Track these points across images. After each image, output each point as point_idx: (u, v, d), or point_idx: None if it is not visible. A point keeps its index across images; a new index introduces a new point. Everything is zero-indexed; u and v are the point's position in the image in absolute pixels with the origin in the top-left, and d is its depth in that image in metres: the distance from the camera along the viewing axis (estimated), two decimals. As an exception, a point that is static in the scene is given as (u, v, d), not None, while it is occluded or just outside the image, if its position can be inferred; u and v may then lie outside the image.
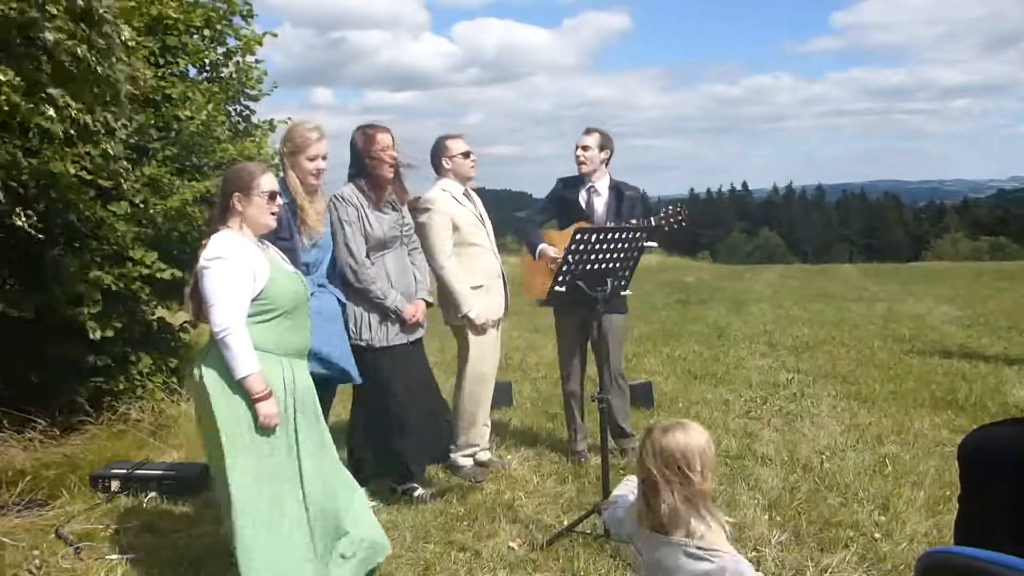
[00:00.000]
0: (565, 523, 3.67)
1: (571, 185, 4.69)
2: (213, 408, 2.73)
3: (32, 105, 3.61)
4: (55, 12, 3.39)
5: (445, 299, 4.32)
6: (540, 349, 8.29)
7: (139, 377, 5.35)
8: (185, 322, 5.84)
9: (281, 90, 6.87)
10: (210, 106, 5.36)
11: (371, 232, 3.84)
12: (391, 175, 3.92)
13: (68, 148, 4.35)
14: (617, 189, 4.65)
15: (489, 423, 4.60)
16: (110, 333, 4.93)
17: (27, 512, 3.87)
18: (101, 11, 3.49)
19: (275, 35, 6.36)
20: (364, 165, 3.87)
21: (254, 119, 6.28)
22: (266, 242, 2.96)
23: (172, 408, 5.25)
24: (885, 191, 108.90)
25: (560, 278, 3.61)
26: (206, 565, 3.34)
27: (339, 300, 3.78)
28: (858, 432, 5.08)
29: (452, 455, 4.45)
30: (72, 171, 4.35)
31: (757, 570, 2.19)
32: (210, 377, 2.74)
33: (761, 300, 13.22)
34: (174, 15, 5.33)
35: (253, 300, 2.74)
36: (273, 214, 2.89)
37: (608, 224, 4.45)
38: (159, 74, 5.27)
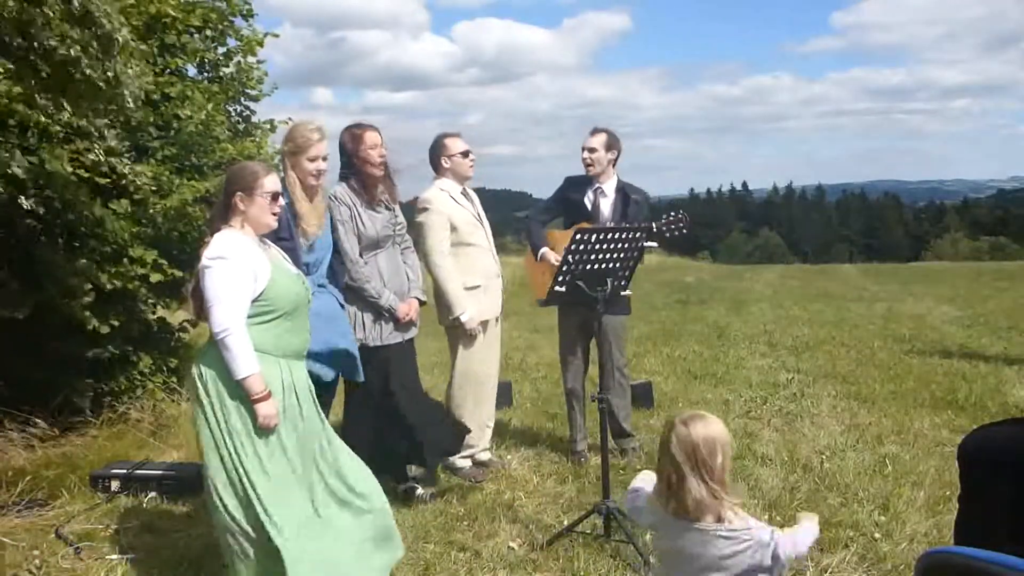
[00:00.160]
0: (565, 523, 3.67)
1: (578, 185, 4.67)
2: (211, 408, 2.73)
3: (30, 109, 3.61)
4: (52, 14, 3.38)
5: (439, 299, 4.32)
6: (540, 349, 8.29)
7: (139, 377, 5.35)
8: (184, 321, 5.84)
9: (281, 90, 6.87)
10: (210, 105, 5.36)
11: (364, 231, 3.85)
12: (380, 174, 3.92)
13: (66, 146, 4.35)
14: (624, 191, 4.63)
15: (491, 423, 4.60)
16: (106, 329, 4.93)
17: (27, 512, 3.87)
18: (97, 14, 3.48)
19: (276, 35, 6.35)
20: (353, 165, 3.87)
21: (254, 119, 6.28)
22: (268, 242, 2.95)
23: (172, 408, 5.25)
24: (885, 191, 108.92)
25: (560, 278, 3.61)
26: (206, 565, 3.34)
27: (339, 301, 3.77)
28: (858, 432, 5.08)
29: (450, 456, 4.46)
30: (70, 169, 4.35)
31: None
32: (208, 377, 2.74)
33: (761, 300, 13.22)
34: (173, 13, 5.33)
35: (253, 301, 2.74)
36: (275, 214, 2.89)
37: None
38: (157, 70, 5.26)
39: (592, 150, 4.56)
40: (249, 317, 2.73)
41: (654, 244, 4.46)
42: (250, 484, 2.71)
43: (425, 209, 4.26)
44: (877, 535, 3.51)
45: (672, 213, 4.57)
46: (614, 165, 4.65)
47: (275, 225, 2.93)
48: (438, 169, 4.39)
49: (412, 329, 4.05)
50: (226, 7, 5.83)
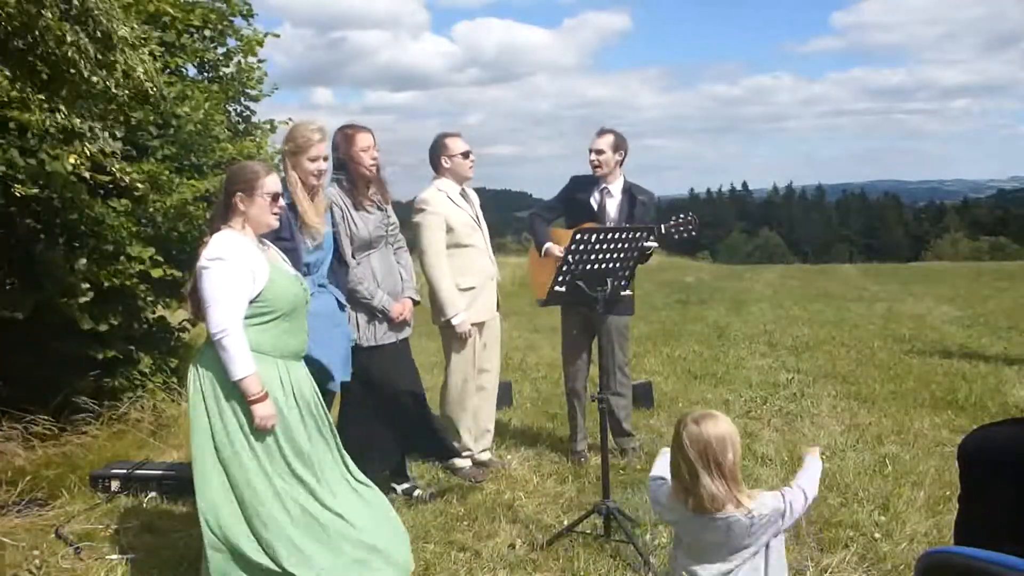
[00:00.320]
0: (565, 523, 3.67)
1: (584, 185, 4.64)
2: (208, 409, 2.73)
3: (28, 110, 3.62)
4: (51, 16, 3.38)
5: (433, 299, 4.32)
6: (540, 349, 8.29)
7: (139, 377, 5.34)
8: (184, 321, 5.84)
9: (281, 90, 6.87)
10: (207, 104, 5.35)
11: (356, 232, 3.85)
12: (372, 175, 3.92)
13: (66, 147, 4.35)
14: (630, 192, 4.61)
15: (492, 425, 4.61)
16: (105, 327, 4.92)
17: (27, 512, 3.87)
18: (96, 12, 3.48)
19: (277, 36, 6.36)
20: (345, 165, 3.87)
21: (254, 119, 6.28)
22: (267, 242, 2.95)
23: (172, 408, 5.25)
24: (885, 191, 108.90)
25: (560, 278, 3.61)
26: (206, 565, 3.34)
27: (339, 301, 3.77)
28: (858, 432, 5.08)
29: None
30: (69, 169, 4.35)
31: None
32: (206, 378, 2.74)
33: (761, 300, 13.22)
34: (172, 12, 5.32)
35: (252, 302, 2.74)
36: (275, 215, 2.89)
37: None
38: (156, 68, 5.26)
39: (600, 152, 4.54)
40: (247, 318, 2.73)
41: (654, 244, 4.45)
42: (245, 485, 2.72)
43: (422, 210, 4.27)
44: (877, 535, 3.50)
45: (680, 215, 4.56)
46: (621, 165, 4.63)
47: (276, 225, 2.93)
48: (438, 169, 4.39)
49: (406, 329, 4.06)
50: (226, 7, 5.83)
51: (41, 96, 3.71)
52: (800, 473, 2.47)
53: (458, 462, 4.44)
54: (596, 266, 3.63)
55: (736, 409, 5.73)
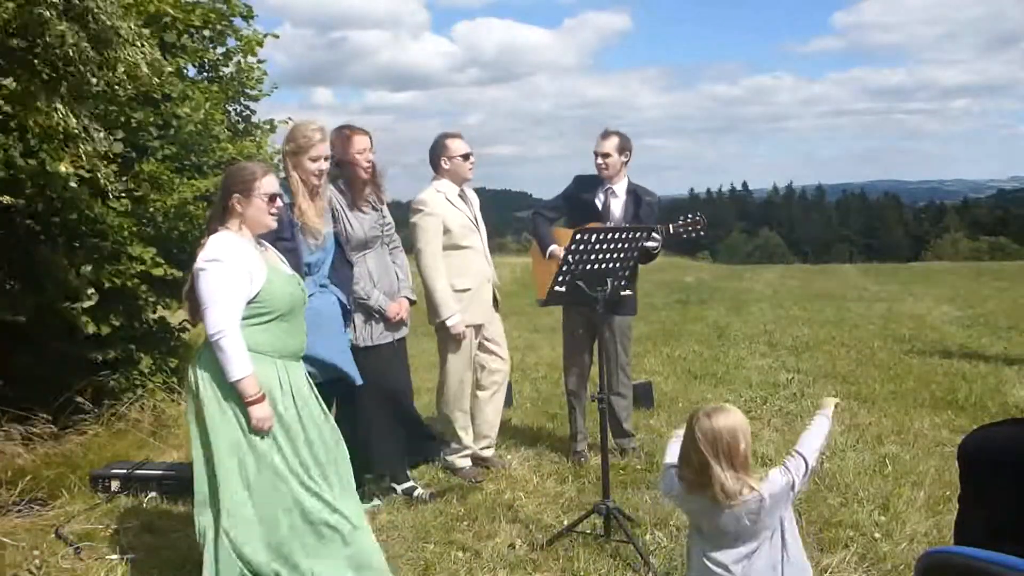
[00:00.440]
0: (565, 523, 3.67)
1: (588, 185, 4.63)
2: (206, 410, 2.73)
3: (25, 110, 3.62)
4: (50, 15, 3.38)
5: (429, 300, 4.33)
6: (540, 349, 8.29)
7: (139, 377, 5.34)
8: (184, 321, 5.84)
9: (281, 90, 6.86)
10: (207, 104, 5.35)
11: (351, 233, 3.85)
12: (367, 177, 3.93)
13: (67, 147, 4.35)
14: (635, 193, 4.60)
15: (496, 425, 4.62)
16: (107, 330, 4.93)
17: (27, 512, 3.87)
18: (96, 10, 3.48)
19: (276, 36, 6.35)
20: (340, 166, 3.88)
21: (254, 119, 6.28)
22: (265, 243, 2.95)
23: (172, 408, 5.25)
24: (885, 191, 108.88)
25: (560, 278, 3.61)
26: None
27: (340, 301, 3.78)
28: (858, 432, 5.07)
29: (448, 456, 4.46)
30: (70, 170, 4.35)
31: None
32: (204, 379, 2.74)
33: (761, 300, 13.22)
34: (172, 12, 5.32)
35: (249, 302, 2.74)
36: (273, 215, 2.88)
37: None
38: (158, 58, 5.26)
39: (606, 155, 4.52)
40: (246, 318, 2.73)
41: (654, 244, 4.44)
42: (241, 485, 2.72)
43: (419, 210, 4.28)
44: (877, 535, 3.51)
45: (689, 215, 4.55)
46: (625, 166, 4.62)
47: (274, 226, 2.93)
48: (437, 169, 4.39)
49: (403, 329, 4.08)
50: (226, 8, 5.82)
51: (41, 96, 3.70)
52: (803, 436, 2.51)
53: (458, 462, 4.45)
54: (596, 266, 3.63)
55: (736, 409, 5.73)
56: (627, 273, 3.85)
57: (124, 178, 5.02)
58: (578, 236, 3.56)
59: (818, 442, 2.48)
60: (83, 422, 4.85)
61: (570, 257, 3.57)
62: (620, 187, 4.61)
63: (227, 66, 5.99)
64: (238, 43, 5.96)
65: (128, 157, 5.06)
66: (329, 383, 3.58)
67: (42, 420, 4.64)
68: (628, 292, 4.32)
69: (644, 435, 5.07)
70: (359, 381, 3.70)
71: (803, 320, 10.35)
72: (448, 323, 4.25)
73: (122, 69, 3.73)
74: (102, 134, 4.03)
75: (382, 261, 4.02)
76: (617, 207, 4.59)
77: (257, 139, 6.09)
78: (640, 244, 3.81)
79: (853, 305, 11.96)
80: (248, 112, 6.25)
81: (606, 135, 4.56)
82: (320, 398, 3.02)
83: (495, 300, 4.52)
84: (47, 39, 3.44)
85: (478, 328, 4.41)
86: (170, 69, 5.09)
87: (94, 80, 3.70)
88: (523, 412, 5.84)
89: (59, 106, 3.70)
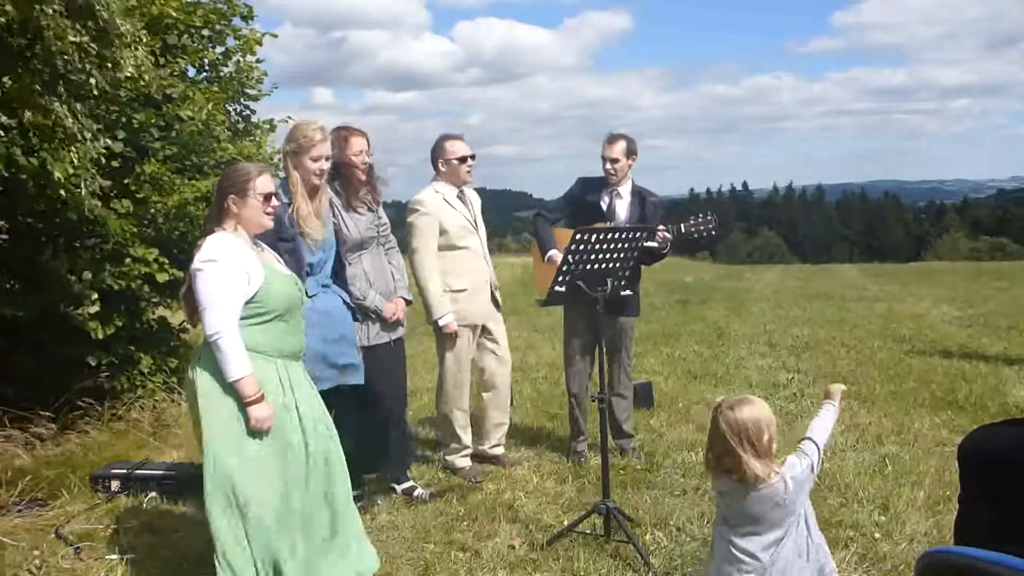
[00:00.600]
0: (565, 523, 3.67)
1: (592, 187, 4.62)
2: (206, 410, 2.73)
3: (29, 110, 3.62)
4: (51, 11, 3.38)
5: (422, 300, 4.33)
6: (540, 349, 8.29)
7: (139, 377, 5.35)
8: (184, 321, 5.83)
9: (281, 90, 6.85)
10: (210, 105, 5.36)
11: (347, 234, 3.86)
12: (363, 178, 3.94)
13: (68, 148, 4.34)
14: (640, 194, 4.59)
15: (504, 423, 4.66)
16: (110, 331, 4.93)
17: (27, 512, 3.87)
18: (98, 8, 3.47)
19: (275, 36, 6.35)
20: (337, 167, 3.88)
21: (254, 119, 6.28)
22: (261, 244, 2.95)
23: (172, 408, 5.25)
24: (885, 191, 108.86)
25: (560, 278, 3.61)
26: (206, 565, 3.33)
27: (344, 300, 3.78)
28: (858, 432, 5.08)
29: (448, 456, 4.47)
30: (71, 170, 4.35)
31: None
32: (203, 379, 2.74)
33: (761, 300, 13.22)
34: (175, 14, 5.32)
35: (247, 303, 2.74)
36: (268, 215, 2.88)
37: None
38: (160, 72, 5.26)
39: (615, 161, 4.49)
40: (245, 318, 2.73)
41: (655, 244, 4.44)
42: (243, 485, 2.72)
43: (415, 210, 4.29)
44: (877, 535, 3.51)
45: (700, 215, 4.54)
46: (631, 168, 4.61)
47: (270, 225, 2.92)
48: (437, 170, 4.40)
49: (399, 329, 4.09)
50: (227, 8, 5.82)
51: (42, 95, 3.70)
52: (812, 424, 2.60)
53: (458, 462, 4.45)
54: (596, 266, 3.63)
55: (736, 409, 5.73)
56: (627, 273, 3.85)
57: (126, 180, 5.02)
58: (578, 236, 3.56)
59: (826, 433, 2.57)
60: (83, 422, 4.85)
61: (570, 257, 3.57)
62: (624, 188, 4.60)
63: (226, 66, 5.99)
64: (237, 42, 5.96)
65: (129, 158, 5.06)
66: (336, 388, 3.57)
67: (42, 420, 4.65)
68: (629, 292, 4.32)
69: (644, 435, 5.07)
70: (360, 381, 3.70)
71: (803, 320, 10.36)
72: (440, 323, 4.26)
73: (130, 72, 3.73)
74: (94, 133, 4.02)
75: (378, 262, 4.03)
76: (622, 208, 4.58)
77: (257, 139, 6.09)
78: (640, 244, 3.81)
79: (853, 305, 11.96)
80: (248, 112, 6.25)
81: (613, 140, 4.53)
82: (319, 399, 3.01)
83: (496, 301, 4.52)
84: (46, 38, 3.44)
85: (476, 328, 4.41)
86: (160, 74, 5.09)
87: (92, 81, 3.70)
88: (523, 412, 5.84)
89: (57, 106, 3.70)
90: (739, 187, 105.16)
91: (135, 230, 4.99)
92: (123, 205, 4.94)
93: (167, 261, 5.13)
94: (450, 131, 4.54)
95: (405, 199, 4.53)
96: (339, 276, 3.77)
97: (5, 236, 4.81)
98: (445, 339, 4.34)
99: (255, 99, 6.19)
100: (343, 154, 3.86)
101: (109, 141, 4.44)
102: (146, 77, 3.96)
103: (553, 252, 4.54)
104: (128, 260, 5.00)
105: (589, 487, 4.20)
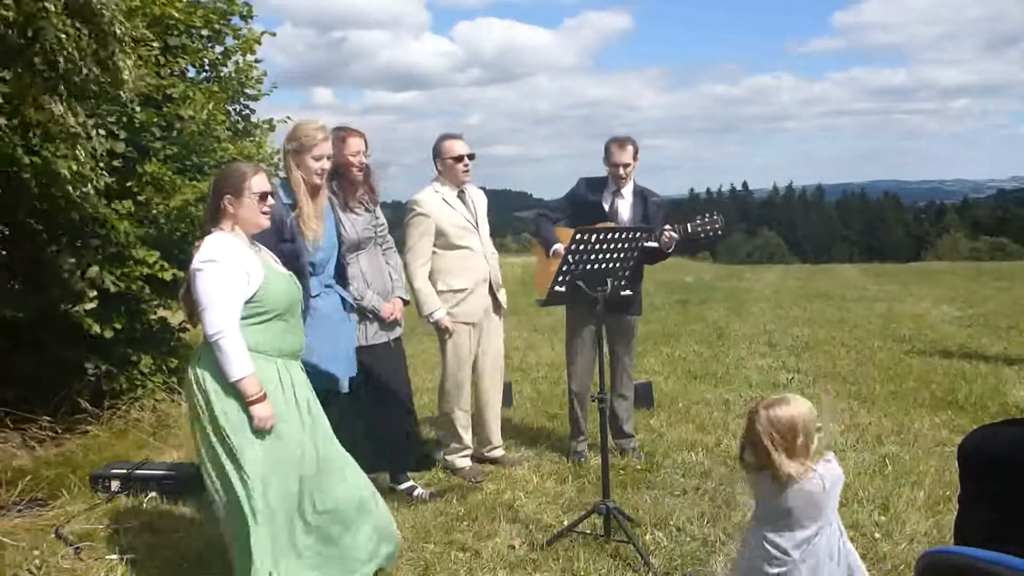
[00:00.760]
0: (565, 523, 3.67)
1: (595, 188, 4.62)
2: (206, 410, 2.73)
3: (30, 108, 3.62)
4: (52, 9, 3.37)
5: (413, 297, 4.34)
6: (540, 349, 8.30)
7: (139, 377, 5.34)
8: (184, 322, 5.83)
9: (281, 90, 6.85)
10: (210, 105, 5.36)
11: (344, 234, 3.86)
12: (360, 179, 3.94)
13: (72, 146, 4.34)
14: (642, 194, 4.60)
15: (498, 422, 4.65)
16: (109, 333, 4.93)
17: (27, 512, 3.87)
18: (97, 6, 3.47)
19: (273, 35, 6.35)
20: (334, 167, 3.89)
21: (254, 119, 6.28)
22: (258, 244, 2.95)
23: (172, 408, 5.25)
24: (885, 191, 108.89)
25: (560, 278, 3.61)
26: (206, 565, 3.34)
27: (346, 301, 3.78)
28: (858, 432, 5.08)
29: (448, 456, 4.47)
30: (73, 169, 4.35)
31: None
32: (204, 379, 2.74)
33: (761, 300, 13.22)
34: (177, 15, 5.33)
35: (247, 302, 2.74)
36: (265, 214, 2.88)
37: None
38: (161, 73, 5.27)
39: (627, 165, 4.50)
40: (245, 318, 2.73)
41: (655, 244, 4.44)
42: (245, 484, 2.72)
43: (412, 209, 4.30)
44: (877, 535, 3.51)
45: (706, 214, 4.54)
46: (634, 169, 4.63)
47: (266, 224, 2.92)
48: (438, 169, 4.40)
49: (397, 329, 4.09)
50: (226, 7, 5.82)
51: (41, 94, 3.71)
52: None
53: (458, 462, 4.45)
54: (596, 266, 3.63)
55: (736, 409, 5.73)
56: (627, 273, 3.85)
57: (128, 183, 5.02)
58: (578, 236, 3.56)
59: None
60: (83, 422, 4.85)
61: (570, 257, 3.57)
62: (627, 189, 4.60)
63: (226, 66, 5.99)
64: (236, 42, 5.96)
65: (130, 158, 5.06)
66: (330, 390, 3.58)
67: (42, 420, 4.64)
68: (629, 292, 4.31)
69: (644, 435, 5.07)
70: (345, 389, 3.68)
71: (803, 320, 10.36)
72: (433, 318, 4.27)
73: (127, 76, 3.73)
74: (98, 131, 4.02)
75: (375, 262, 4.04)
76: (625, 209, 4.58)
77: (257, 139, 6.09)
78: (640, 244, 3.81)
79: (853, 305, 11.97)
80: (248, 112, 6.25)
81: (623, 144, 4.52)
82: (318, 400, 3.01)
83: (496, 302, 4.51)
84: (47, 36, 3.44)
85: (476, 327, 4.41)
86: (168, 83, 5.09)
87: (91, 79, 3.70)
88: (523, 412, 5.84)
89: (57, 105, 3.70)
90: (739, 187, 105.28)
91: (139, 232, 4.99)
92: (124, 206, 4.94)
93: (168, 264, 5.13)
94: (450, 131, 4.53)
95: (405, 199, 4.53)
96: (342, 276, 3.78)
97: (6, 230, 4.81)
98: (445, 338, 4.35)
99: (255, 99, 6.20)
100: (340, 154, 3.86)
101: (110, 144, 4.45)
102: (147, 79, 3.96)
103: (558, 246, 4.53)
104: (130, 262, 5.00)
105: (589, 487, 4.20)
